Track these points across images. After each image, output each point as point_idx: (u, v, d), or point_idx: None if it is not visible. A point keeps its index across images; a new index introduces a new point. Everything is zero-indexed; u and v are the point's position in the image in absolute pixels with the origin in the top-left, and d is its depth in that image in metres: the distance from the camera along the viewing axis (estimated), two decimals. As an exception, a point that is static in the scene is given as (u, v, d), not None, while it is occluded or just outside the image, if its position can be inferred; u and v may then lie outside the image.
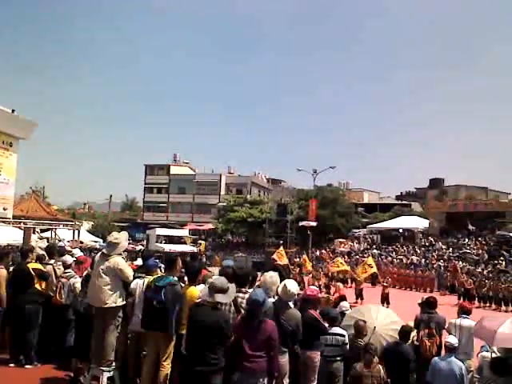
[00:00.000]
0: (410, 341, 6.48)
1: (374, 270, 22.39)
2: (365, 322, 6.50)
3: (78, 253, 9.29)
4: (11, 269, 8.07)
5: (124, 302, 6.33)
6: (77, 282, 7.36)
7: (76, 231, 22.61)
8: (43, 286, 7.78)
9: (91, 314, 6.48)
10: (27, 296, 7.52)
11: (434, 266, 30.88)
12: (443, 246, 36.25)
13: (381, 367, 5.94)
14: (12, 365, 7.30)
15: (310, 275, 23.11)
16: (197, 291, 5.96)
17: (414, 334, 6.88)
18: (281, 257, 21.91)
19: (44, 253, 8.81)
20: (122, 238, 6.64)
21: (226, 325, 4.84)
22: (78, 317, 7.03)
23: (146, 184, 70.24)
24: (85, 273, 7.29)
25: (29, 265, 7.73)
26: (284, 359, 5.32)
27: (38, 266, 7.85)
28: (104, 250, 6.53)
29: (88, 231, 43.54)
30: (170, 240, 40.24)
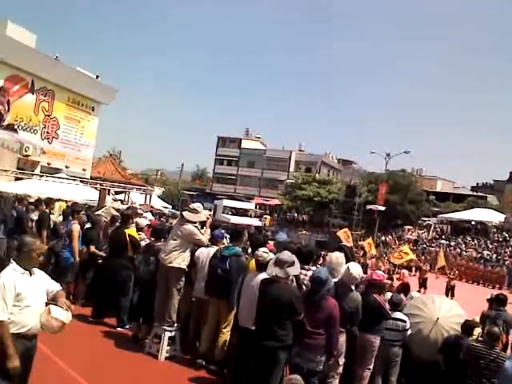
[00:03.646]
0: (474, 336, 6.26)
1: (411, 256, 21.82)
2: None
3: (149, 216, 9.65)
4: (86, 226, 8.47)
5: (185, 266, 6.46)
6: (147, 245, 7.57)
7: (148, 196, 23.33)
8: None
9: (153, 278, 6.73)
10: (121, 261, 7.55)
11: (506, 262, 29.55)
12: (518, 243, 34.54)
13: None
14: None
15: (374, 259, 22.77)
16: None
17: (479, 329, 6.63)
18: (347, 238, 21.63)
19: (118, 214, 9.22)
20: (202, 209, 6.84)
21: (297, 301, 4.85)
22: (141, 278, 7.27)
23: (217, 156, 71.25)
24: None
25: (126, 230, 7.75)
26: (341, 339, 5.33)
27: (135, 233, 7.92)
28: (184, 214, 6.69)
29: (159, 197, 44.89)
30: (236, 212, 40.82)
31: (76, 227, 8.11)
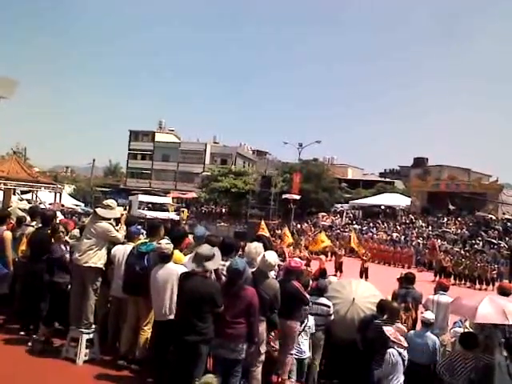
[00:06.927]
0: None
1: (327, 243, 22.96)
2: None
3: (59, 216, 9.19)
4: (25, 232, 7.74)
5: (102, 265, 6.28)
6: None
7: (57, 194, 22.36)
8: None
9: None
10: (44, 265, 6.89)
11: (413, 243, 31.42)
12: (423, 224, 36.76)
13: None
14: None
15: (291, 247, 23.31)
16: (181, 255, 5.99)
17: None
18: (263, 229, 22.16)
19: (25, 214, 8.68)
20: (116, 205, 6.69)
21: (217, 294, 4.85)
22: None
23: (130, 150, 69.50)
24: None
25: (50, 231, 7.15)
26: (262, 327, 5.38)
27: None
28: (97, 211, 6.44)
29: (70, 195, 43.19)
30: (153, 207, 40.15)
31: (8, 234, 7.40)
